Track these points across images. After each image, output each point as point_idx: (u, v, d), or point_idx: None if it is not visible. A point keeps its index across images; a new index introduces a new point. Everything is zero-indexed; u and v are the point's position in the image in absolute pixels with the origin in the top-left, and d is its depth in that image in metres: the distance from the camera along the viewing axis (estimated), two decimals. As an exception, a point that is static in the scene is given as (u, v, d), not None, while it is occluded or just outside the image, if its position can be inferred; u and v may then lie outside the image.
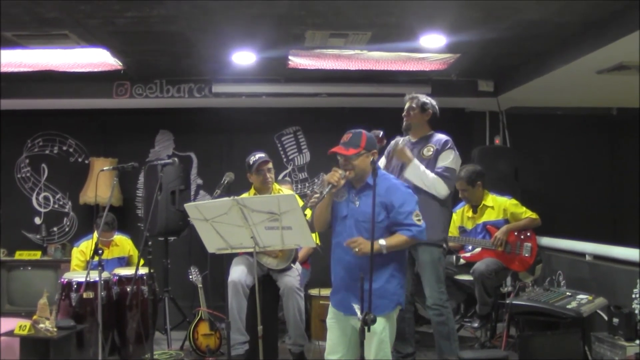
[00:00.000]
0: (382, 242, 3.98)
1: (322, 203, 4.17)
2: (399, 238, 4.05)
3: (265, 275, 5.76)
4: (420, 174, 5.19)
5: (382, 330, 3.96)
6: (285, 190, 6.16)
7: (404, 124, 5.50)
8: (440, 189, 5.21)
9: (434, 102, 5.49)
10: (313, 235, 4.38)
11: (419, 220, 4.06)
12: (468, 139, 8.28)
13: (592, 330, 5.20)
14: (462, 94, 7.92)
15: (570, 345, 4.61)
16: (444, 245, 5.38)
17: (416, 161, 5.22)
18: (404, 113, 5.50)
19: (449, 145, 5.34)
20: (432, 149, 5.34)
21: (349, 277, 4.06)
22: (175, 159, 6.00)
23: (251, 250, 4.37)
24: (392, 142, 5.27)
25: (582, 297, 5.22)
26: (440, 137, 5.41)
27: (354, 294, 3.95)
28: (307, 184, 8.63)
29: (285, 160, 8.75)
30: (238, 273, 5.63)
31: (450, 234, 6.15)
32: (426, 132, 5.48)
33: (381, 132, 4.84)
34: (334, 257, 4.22)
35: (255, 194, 5.73)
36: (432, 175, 5.21)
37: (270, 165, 5.78)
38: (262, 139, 8.51)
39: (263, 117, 8.58)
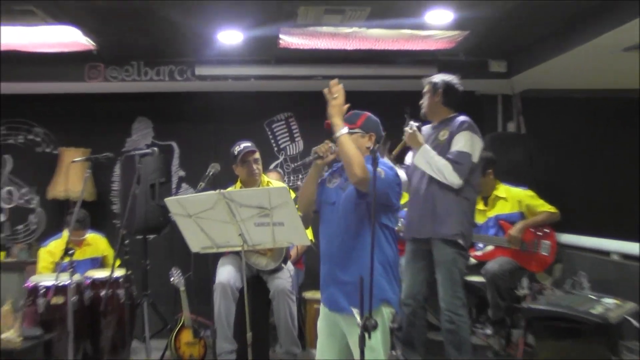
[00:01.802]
0: (344, 130, 3.83)
1: (308, 177, 4.11)
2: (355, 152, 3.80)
3: (255, 277, 5.76)
4: (428, 158, 5.13)
5: None
6: (275, 181, 6.15)
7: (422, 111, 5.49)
8: (449, 176, 5.09)
9: (447, 79, 5.38)
10: (307, 231, 4.33)
11: (379, 174, 3.70)
12: (479, 124, 8.18)
13: (619, 338, 5.14)
14: (472, 76, 7.80)
15: (595, 355, 4.54)
16: (460, 241, 5.16)
17: (426, 146, 5.16)
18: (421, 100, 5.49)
19: (464, 127, 5.22)
20: (447, 133, 5.25)
21: (333, 269, 3.97)
22: (155, 148, 5.92)
23: (239, 249, 4.31)
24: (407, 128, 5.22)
25: (608, 301, 5.13)
26: (459, 119, 5.32)
27: (338, 288, 3.90)
28: (300, 176, 8.59)
29: (276, 149, 8.74)
30: (226, 274, 5.63)
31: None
32: (445, 115, 5.40)
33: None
34: (321, 249, 4.12)
35: (241, 187, 5.72)
36: (442, 161, 5.12)
37: (257, 155, 5.80)
38: (251, 126, 8.50)
39: (251, 102, 8.56)
